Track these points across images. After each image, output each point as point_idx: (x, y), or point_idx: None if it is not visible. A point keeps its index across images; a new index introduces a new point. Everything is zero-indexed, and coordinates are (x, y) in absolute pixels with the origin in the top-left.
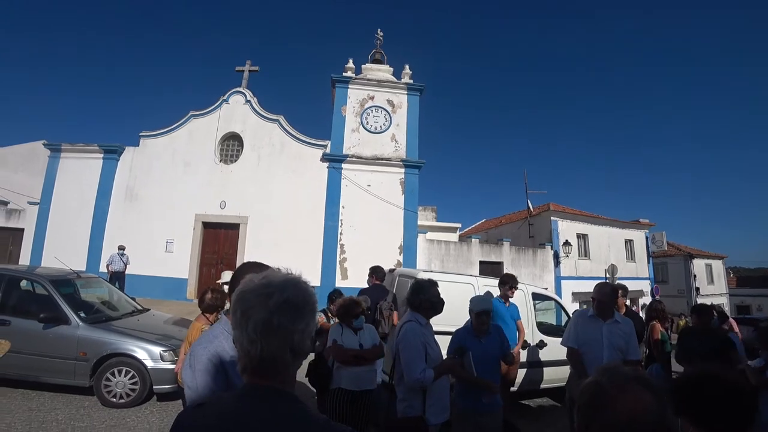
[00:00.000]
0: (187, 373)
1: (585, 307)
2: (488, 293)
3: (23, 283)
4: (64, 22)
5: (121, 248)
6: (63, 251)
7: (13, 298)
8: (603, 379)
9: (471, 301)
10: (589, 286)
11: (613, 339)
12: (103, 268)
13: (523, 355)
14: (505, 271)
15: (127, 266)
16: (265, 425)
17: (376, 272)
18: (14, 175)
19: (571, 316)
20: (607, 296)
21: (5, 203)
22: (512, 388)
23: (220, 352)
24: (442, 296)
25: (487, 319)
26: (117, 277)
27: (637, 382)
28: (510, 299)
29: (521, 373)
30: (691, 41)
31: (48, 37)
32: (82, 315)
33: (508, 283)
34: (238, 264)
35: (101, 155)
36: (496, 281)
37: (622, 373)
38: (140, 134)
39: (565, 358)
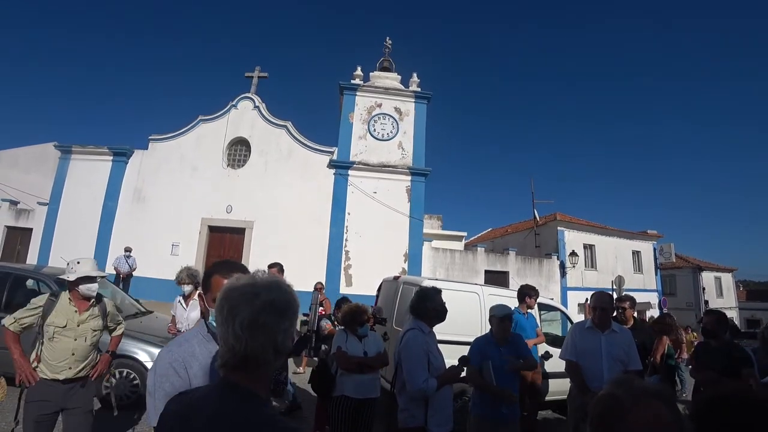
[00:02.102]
0: (150, 376)
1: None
2: (505, 306)
3: (29, 282)
4: (75, 25)
5: (128, 250)
6: (70, 252)
7: (19, 296)
8: (618, 391)
9: (492, 308)
10: None
11: (612, 350)
12: (109, 269)
13: None
14: (511, 281)
15: (134, 269)
16: (217, 415)
17: (280, 267)
18: (26, 176)
19: None
20: (609, 304)
21: (15, 203)
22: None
23: (186, 357)
24: (446, 304)
25: (510, 326)
26: (122, 279)
27: (654, 395)
28: (530, 310)
29: None
30: (700, 48)
31: (60, 40)
32: None
33: (528, 293)
34: None
35: (110, 158)
36: (501, 291)
37: (639, 386)
38: (149, 137)
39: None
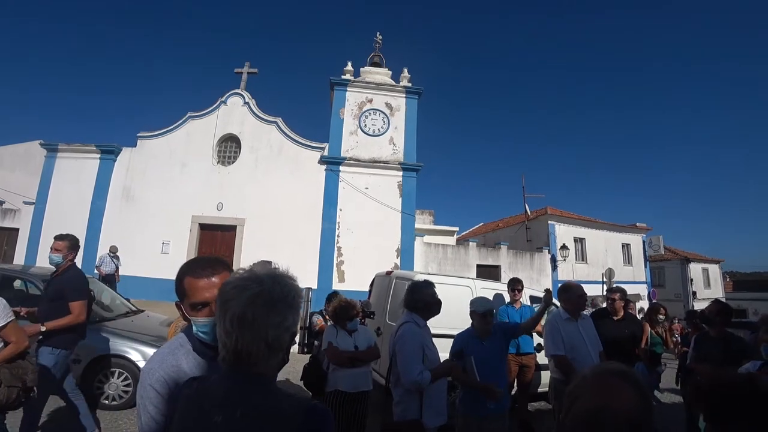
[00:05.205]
0: (137, 394)
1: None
2: (500, 296)
3: (17, 283)
4: (63, 21)
5: (113, 249)
6: None
7: (6, 297)
8: (588, 372)
9: (472, 303)
10: (587, 290)
11: (589, 336)
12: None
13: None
14: (502, 275)
15: (119, 269)
16: (227, 400)
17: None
18: (10, 175)
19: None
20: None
21: (1, 203)
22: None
23: (170, 375)
24: (439, 298)
25: (492, 319)
26: (107, 280)
27: (621, 376)
28: (519, 301)
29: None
30: (688, 38)
31: (46, 36)
32: None
33: (512, 285)
34: (234, 266)
35: (98, 155)
36: (494, 284)
37: (608, 367)
38: (138, 135)
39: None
